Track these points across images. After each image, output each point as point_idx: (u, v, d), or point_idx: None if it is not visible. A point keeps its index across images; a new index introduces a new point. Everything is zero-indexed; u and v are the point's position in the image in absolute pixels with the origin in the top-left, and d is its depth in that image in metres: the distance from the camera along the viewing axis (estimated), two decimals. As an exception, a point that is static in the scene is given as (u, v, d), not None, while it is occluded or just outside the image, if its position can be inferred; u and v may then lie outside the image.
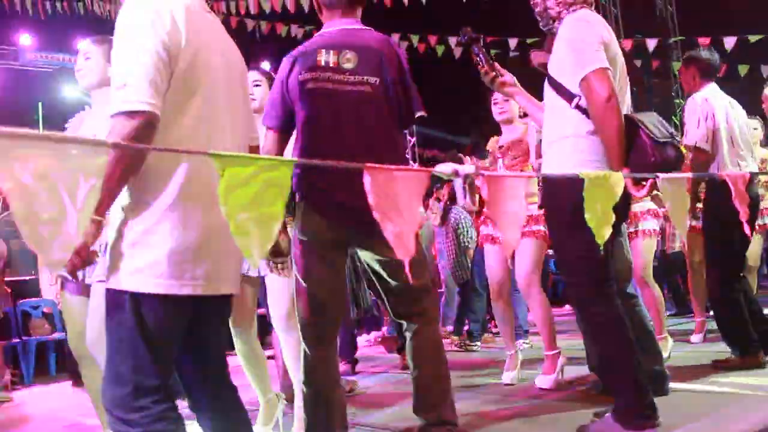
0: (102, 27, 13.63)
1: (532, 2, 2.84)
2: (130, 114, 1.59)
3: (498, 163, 3.97)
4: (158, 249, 1.66)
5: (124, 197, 1.68)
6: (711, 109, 3.87)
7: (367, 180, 1.63)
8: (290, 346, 2.95)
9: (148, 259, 1.65)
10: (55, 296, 8.98)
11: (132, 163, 1.59)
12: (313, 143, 2.41)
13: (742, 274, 4.02)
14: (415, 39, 10.57)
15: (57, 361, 7.79)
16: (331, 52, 2.41)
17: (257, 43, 10.28)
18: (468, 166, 2.27)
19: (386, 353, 6.03)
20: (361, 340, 7.16)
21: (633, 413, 2.54)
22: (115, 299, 1.67)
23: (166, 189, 1.67)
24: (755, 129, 4.88)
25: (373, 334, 7.78)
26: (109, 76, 2.72)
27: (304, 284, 2.43)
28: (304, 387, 2.47)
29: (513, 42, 10.69)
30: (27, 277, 9.45)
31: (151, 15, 1.68)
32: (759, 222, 5.06)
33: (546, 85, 2.77)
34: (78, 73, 2.94)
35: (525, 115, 3.87)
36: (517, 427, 2.97)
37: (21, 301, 7.87)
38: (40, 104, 12.25)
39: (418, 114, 2.49)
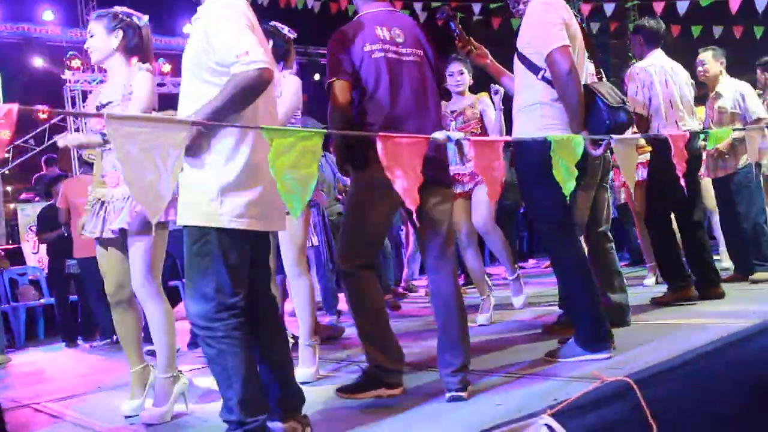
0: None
1: None
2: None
3: (451, 125, 4.55)
4: (241, 200, 2.12)
5: (220, 161, 2.11)
6: (648, 76, 4.38)
7: (379, 144, 2.03)
8: (300, 291, 3.36)
9: (233, 206, 2.11)
10: (38, 262, 9.24)
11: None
12: (384, 104, 2.69)
13: (699, 219, 4.55)
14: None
15: (45, 326, 8.08)
16: (384, 28, 2.75)
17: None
18: (457, 133, 2.65)
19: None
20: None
21: (592, 338, 3.02)
22: (201, 234, 2.12)
23: (249, 158, 2.13)
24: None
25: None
26: (112, 47, 3.06)
27: (363, 221, 2.76)
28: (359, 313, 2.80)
29: (477, 7, 11.07)
30: (6, 247, 9.66)
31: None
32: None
33: (515, 59, 3.18)
34: (88, 51, 3.18)
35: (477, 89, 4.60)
36: (492, 355, 3.43)
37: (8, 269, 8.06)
38: (1, 75, 12.16)
39: (444, 84, 2.91)
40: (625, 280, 3.78)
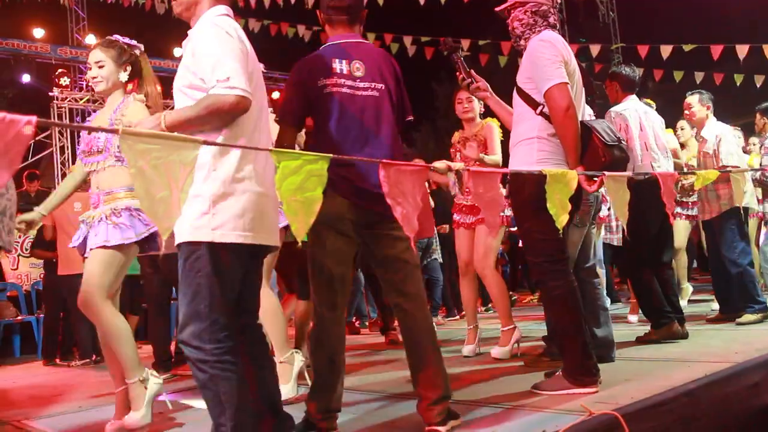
0: (59, 13, 13.60)
1: (509, 27, 3.33)
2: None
3: (458, 155, 4.54)
4: (229, 212, 2.12)
5: (207, 174, 2.11)
6: (624, 120, 4.50)
7: (381, 172, 2.07)
8: (267, 307, 3.32)
9: (222, 218, 2.11)
10: (16, 279, 9.12)
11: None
12: (332, 139, 2.71)
13: (668, 259, 4.63)
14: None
15: (21, 343, 7.95)
16: (343, 61, 2.78)
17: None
18: (458, 164, 2.71)
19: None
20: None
21: (579, 372, 3.04)
22: (193, 250, 2.11)
23: (236, 171, 2.13)
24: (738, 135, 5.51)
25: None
26: (119, 78, 3.10)
27: (320, 257, 2.72)
28: (314, 349, 2.78)
29: (465, 43, 11.32)
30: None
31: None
32: (689, 212, 5.85)
33: (515, 93, 3.25)
34: (93, 80, 3.17)
35: (485, 115, 4.50)
36: (480, 387, 3.44)
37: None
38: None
39: (408, 118, 2.93)
40: (609, 316, 3.83)
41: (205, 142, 1.75)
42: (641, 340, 4.37)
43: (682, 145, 6.34)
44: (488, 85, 3.45)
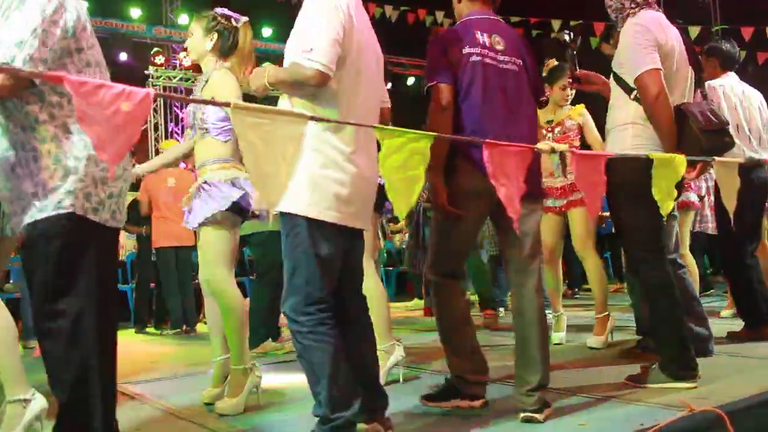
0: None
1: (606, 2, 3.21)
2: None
3: (548, 135, 4.44)
4: (327, 190, 2.13)
5: (308, 150, 2.10)
6: (718, 99, 4.23)
7: (485, 153, 2.02)
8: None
9: (320, 196, 2.12)
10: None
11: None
12: (479, 108, 2.65)
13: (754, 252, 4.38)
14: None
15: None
16: (485, 34, 2.73)
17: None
18: (562, 145, 2.65)
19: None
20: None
21: (677, 366, 2.93)
22: (293, 224, 2.14)
23: (334, 148, 2.13)
24: None
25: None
26: (207, 49, 3.14)
27: (450, 228, 2.72)
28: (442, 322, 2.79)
29: (556, 24, 11.03)
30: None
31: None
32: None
33: (611, 78, 3.15)
34: (187, 50, 3.32)
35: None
36: (569, 375, 3.36)
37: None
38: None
39: (542, 98, 2.93)
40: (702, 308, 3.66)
41: (312, 118, 1.75)
42: (733, 336, 4.16)
43: None
44: (600, 79, 3.39)
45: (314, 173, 2.12)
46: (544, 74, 4.46)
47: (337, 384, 2.11)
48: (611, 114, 3.17)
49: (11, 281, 7.38)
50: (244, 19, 3.23)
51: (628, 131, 3.02)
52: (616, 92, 3.12)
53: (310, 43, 2.07)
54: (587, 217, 4.19)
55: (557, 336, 4.37)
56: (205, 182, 3.02)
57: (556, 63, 4.48)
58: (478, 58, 2.66)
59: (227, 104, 1.62)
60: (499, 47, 2.73)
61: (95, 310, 1.86)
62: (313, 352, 2.13)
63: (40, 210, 1.84)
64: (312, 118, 1.76)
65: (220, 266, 3.01)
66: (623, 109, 3.06)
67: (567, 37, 3.32)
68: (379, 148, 2.06)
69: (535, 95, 2.86)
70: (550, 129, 4.47)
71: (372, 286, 3.14)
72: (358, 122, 2.10)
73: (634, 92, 2.99)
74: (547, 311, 2.96)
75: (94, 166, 1.89)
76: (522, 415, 2.55)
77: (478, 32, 2.72)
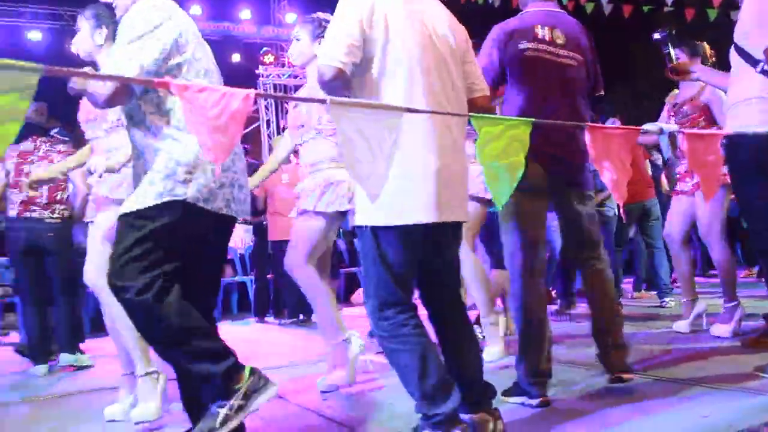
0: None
1: None
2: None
3: (671, 120, 4.17)
4: (385, 193, 1.93)
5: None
6: None
7: (587, 137, 1.96)
8: None
9: (378, 201, 1.92)
10: (233, 243, 9.96)
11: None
12: (532, 103, 2.67)
13: None
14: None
15: (238, 302, 8.74)
16: (546, 28, 2.73)
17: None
18: (671, 125, 2.53)
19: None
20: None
21: (810, 356, 2.73)
22: (361, 233, 2.12)
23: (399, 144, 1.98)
24: None
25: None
26: (314, 53, 3.18)
27: (518, 222, 2.70)
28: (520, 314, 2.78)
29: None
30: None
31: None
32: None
33: (732, 50, 2.94)
34: (291, 56, 3.35)
35: None
36: (693, 366, 3.21)
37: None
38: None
39: (599, 93, 2.88)
40: None
41: (408, 110, 1.76)
42: None
43: None
44: (692, 69, 3.20)
45: (372, 176, 2.02)
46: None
47: (428, 383, 2.09)
48: (732, 89, 2.97)
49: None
50: None
51: (753, 106, 2.82)
52: (737, 66, 2.92)
53: (325, 41, 2.06)
54: (710, 201, 3.95)
55: (681, 324, 4.22)
56: (317, 182, 3.16)
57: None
58: (536, 53, 2.69)
59: (323, 101, 1.65)
60: (560, 41, 2.75)
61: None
62: (399, 354, 2.12)
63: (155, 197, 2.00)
64: (408, 110, 1.76)
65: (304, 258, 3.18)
66: (746, 83, 2.86)
67: (658, 35, 3.28)
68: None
69: (592, 90, 2.85)
70: (673, 113, 4.22)
71: (467, 262, 3.29)
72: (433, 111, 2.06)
73: (761, 64, 2.79)
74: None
75: (204, 160, 2.01)
76: (615, 374, 2.69)
77: (539, 26, 2.73)
